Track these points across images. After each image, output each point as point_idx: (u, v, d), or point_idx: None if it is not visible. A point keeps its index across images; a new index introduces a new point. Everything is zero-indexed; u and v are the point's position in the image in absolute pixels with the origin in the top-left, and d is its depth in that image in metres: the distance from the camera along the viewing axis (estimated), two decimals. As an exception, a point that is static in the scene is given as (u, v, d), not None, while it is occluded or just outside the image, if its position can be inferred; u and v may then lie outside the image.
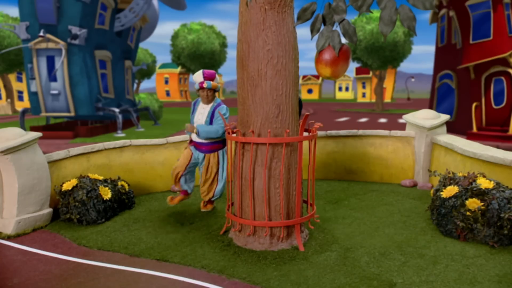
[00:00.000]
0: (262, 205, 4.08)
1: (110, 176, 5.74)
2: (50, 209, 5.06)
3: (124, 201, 5.50)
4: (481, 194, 4.15)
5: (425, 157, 6.58)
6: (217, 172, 5.00)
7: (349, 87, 68.91)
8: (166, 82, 62.26)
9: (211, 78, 4.83)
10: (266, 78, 3.91)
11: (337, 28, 2.95)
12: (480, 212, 4.07)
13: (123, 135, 16.06)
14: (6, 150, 4.55)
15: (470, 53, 13.96)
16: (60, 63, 15.13)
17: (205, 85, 4.78)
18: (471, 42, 14.02)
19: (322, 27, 3.40)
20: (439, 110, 15.90)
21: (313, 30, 3.43)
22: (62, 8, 15.10)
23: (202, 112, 4.91)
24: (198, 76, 4.83)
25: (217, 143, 4.96)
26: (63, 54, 15.05)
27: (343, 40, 3.61)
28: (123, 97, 19.05)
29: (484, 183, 4.23)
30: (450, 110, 15.79)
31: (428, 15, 19.26)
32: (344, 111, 33.94)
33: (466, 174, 4.59)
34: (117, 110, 16.32)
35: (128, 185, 5.67)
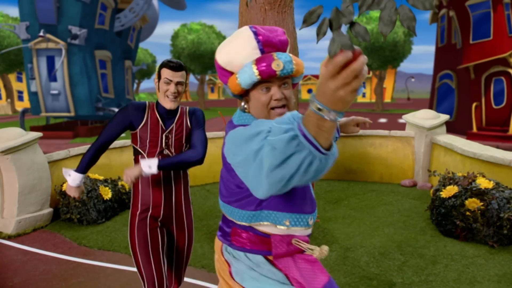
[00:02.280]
0: (262, 205, 4.07)
1: (110, 176, 5.74)
2: (51, 209, 5.06)
3: (124, 201, 5.51)
4: (480, 194, 4.15)
5: (425, 157, 6.59)
6: None
7: (349, 87, 68.84)
8: (166, 82, 62.19)
9: (283, 47, 1.45)
10: (266, 78, 3.91)
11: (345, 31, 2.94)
12: (479, 212, 4.07)
13: (123, 135, 16.07)
14: (6, 150, 4.55)
15: (470, 53, 13.98)
16: (60, 63, 15.14)
17: (278, 67, 1.33)
18: (471, 42, 14.03)
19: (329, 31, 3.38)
20: (439, 110, 15.90)
21: (319, 34, 3.41)
22: (62, 8, 15.11)
23: None
24: (247, 47, 1.37)
25: None
26: (63, 54, 15.06)
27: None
28: (123, 97, 19.06)
29: (483, 183, 4.24)
30: (450, 110, 15.80)
31: (428, 15, 19.27)
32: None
33: (465, 174, 4.60)
34: (117, 110, 16.32)
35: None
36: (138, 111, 2.25)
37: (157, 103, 2.28)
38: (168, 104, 2.21)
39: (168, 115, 2.28)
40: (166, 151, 2.26)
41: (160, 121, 2.27)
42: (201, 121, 2.34)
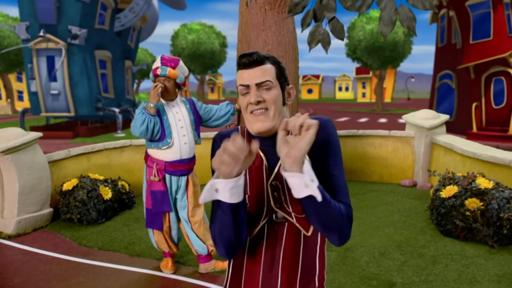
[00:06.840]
0: (262, 205, 4.07)
1: (111, 176, 5.74)
2: (51, 209, 5.06)
3: (124, 201, 5.51)
4: (480, 194, 4.15)
5: (425, 157, 6.59)
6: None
7: (349, 87, 68.94)
8: (166, 82, 62.16)
9: (172, 64, 3.27)
10: (266, 78, 3.91)
11: (326, 26, 2.93)
12: (479, 212, 4.07)
13: (123, 135, 16.06)
14: (6, 150, 4.56)
15: (470, 53, 13.97)
16: (60, 63, 15.13)
17: (159, 71, 3.21)
18: (471, 42, 14.02)
19: (313, 23, 3.37)
20: (439, 110, 15.90)
21: (304, 24, 3.41)
22: (62, 8, 15.11)
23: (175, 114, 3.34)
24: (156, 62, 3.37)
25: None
26: (63, 54, 15.06)
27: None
28: (123, 97, 19.06)
29: (483, 183, 4.24)
30: (450, 110, 15.79)
31: (428, 15, 19.27)
32: (344, 111, 33.94)
33: (465, 174, 4.60)
34: (117, 110, 16.33)
35: (129, 185, 5.69)
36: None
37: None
38: (253, 125, 1.20)
39: (272, 146, 1.19)
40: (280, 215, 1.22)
41: (264, 159, 1.22)
42: (335, 150, 1.20)
